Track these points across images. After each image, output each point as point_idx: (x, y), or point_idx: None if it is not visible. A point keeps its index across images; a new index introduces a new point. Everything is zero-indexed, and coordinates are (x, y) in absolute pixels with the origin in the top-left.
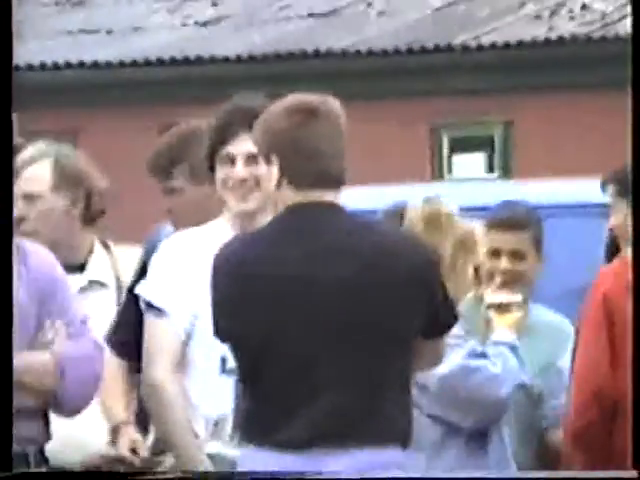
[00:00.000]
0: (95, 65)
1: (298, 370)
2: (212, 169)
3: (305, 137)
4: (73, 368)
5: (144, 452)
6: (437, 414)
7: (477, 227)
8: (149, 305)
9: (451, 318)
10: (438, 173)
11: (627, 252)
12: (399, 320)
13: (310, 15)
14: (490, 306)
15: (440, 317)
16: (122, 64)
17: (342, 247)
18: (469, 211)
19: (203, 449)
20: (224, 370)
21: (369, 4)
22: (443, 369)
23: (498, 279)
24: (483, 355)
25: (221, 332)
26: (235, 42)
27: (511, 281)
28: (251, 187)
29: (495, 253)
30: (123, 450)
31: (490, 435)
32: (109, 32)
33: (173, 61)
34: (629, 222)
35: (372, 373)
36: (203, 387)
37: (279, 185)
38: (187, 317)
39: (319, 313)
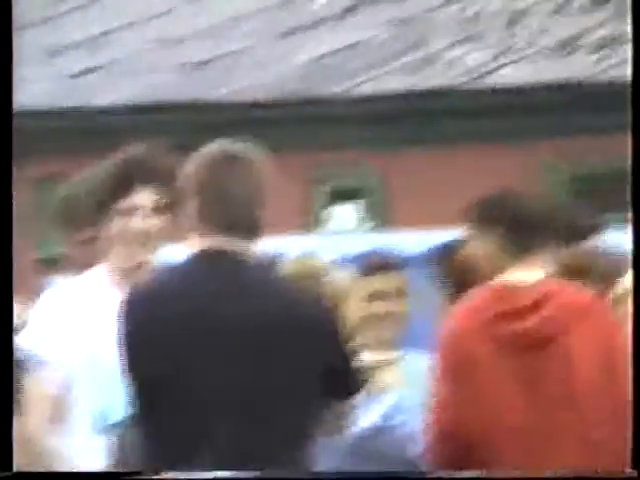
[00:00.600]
0: None
1: (193, 409)
2: (102, 222)
3: (216, 183)
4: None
5: None
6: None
7: (347, 277)
8: (28, 355)
9: (351, 385)
10: (314, 224)
11: (481, 289)
12: (290, 375)
13: (183, 65)
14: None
15: (337, 381)
16: None
17: (237, 300)
18: (344, 262)
19: None
20: (100, 426)
21: (240, 55)
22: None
23: (377, 322)
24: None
25: (129, 368)
26: (107, 93)
27: (390, 323)
28: (149, 240)
29: (370, 298)
30: None
31: None
32: None
33: (44, 112)
34: (482, 252)
35: (266, 423)
36: (78, 442)
37: (188, 230)
38: (66, 368)
39: (216, 361)
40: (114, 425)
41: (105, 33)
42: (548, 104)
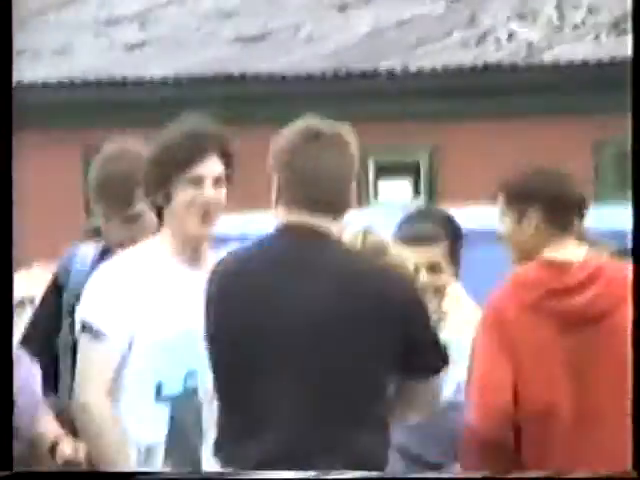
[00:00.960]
0: (20, 86)
1: (264, 395)
2: (167, 192)
3: (303, 160)
4: (19, 396)
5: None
6: (409, 447)
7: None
8: (86, 326)
9: (435, 361)
10: (364, 198)
11: (517, 265)
12: (367, 356)
13: (237, 40)
14: None
15: (421, 358)
16: (46, 85)
17: (317, 277)
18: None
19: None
20: (158, 397)
21: (296, 29)
22: None
23: None
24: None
25: (211, 340)
26: (162, 65)
27: (433, 296)
28: (215, 209)
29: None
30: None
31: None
32: (37, 54)
33: (99, 83)
34: (517, 230)
35: (333, 407)
36: (136, 413)
37: (276, 204)
38: (124, 341)
39: (291, 342)
40: (172, 397)
41: (156, 7)
42: (600, 81)
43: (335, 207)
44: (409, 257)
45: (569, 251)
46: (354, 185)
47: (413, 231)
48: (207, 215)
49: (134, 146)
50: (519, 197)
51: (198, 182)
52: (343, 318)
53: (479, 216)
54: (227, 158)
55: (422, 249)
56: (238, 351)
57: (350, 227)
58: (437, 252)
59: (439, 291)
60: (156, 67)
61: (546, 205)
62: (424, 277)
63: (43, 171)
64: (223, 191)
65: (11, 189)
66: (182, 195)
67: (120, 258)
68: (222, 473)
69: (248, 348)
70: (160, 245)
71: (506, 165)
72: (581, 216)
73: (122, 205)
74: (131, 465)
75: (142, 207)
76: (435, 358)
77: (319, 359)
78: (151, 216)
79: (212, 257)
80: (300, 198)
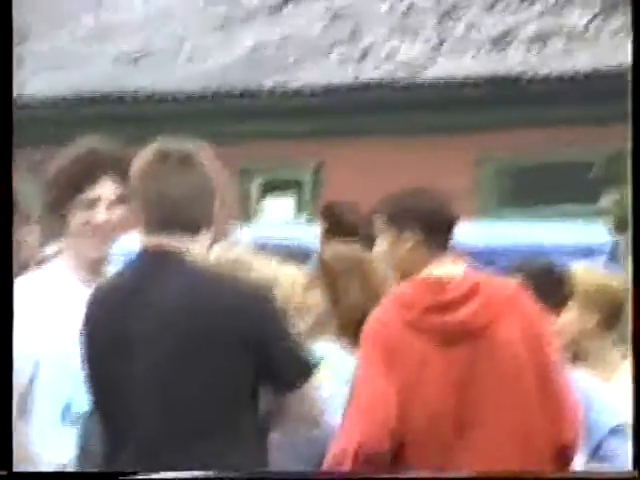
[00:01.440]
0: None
1: (127, 407)
2: (63, 214)
3: (151, 183)
4: None
5: None
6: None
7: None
8: None
9: (295, 372)
10: (249, 215)
11: (397, 290)
12: (220, 369)
13: (118, 58)
14: None
15: (279, 370)
16: None
17: (167, 297)
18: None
19: None
20: (66, 418)
21: (177, 47)
22: None
23: None
24: None
25: (83, 362)
26: (41, 85)
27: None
28: (112, 231)
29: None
30: None
31: None
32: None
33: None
34: (394, 249)
35: (189, 417)
36: (44, 435)
37: (135, 226)
38: (29, 364)
39: (150, 361)
40: (79, 416)
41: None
42: (481, 98)
43: (189, 226)
44: (288, 273)
45: (447, 268)
46: (214, 203)
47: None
48: (103, 237)
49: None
50: (396, 217)
51: (92, 205)
52: (194, 335)
53: None
54: (123, 178)
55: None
56: (103, 368)
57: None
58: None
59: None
60: (36, 86)
61: (423, 224)
62: (308, 296)
63: None
64: (120, 212)
65: (11, 185)
66: (77, 218)
67: (21, 281)
68: (221, 473)
69: (112, 366)
70: (61, 267)
71: (389, 182)
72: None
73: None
74: None
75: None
76: (295, 370)
77: (175, 374)
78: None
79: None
80: (153, 220)
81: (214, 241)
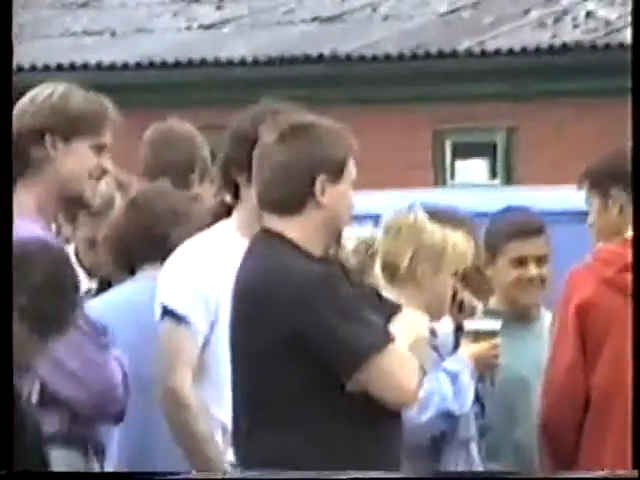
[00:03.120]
0: (98, 67)
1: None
2: (229, 173)
3: (257, 161)
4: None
5: None
6: None
7: (459, 237)
8: (169, 311)
9: (345, 357)
10: (441, 179)
11: (599, 247)
12: (265, 354)
13: (314, 19)
14: (468, 332)
15: (328, 356)
16: (125, 66)
17: (239, 280)
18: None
19: (224, 458)
20: None
21: (374, 9)
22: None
23: (527, 286)
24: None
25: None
26: (239, 45)
27: (539, 287)
28: None
29: (520, 261)
30: None
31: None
32: (113, 34)
33: (177, 64)
34: (603, 212)
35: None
36: (219, 395)
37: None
38: (206, 323)
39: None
40: None
41: None
42: None
43: (286, 206)
44: (454, 237)
45: None
46: (316, 181)
47: (523, 223)
48: None
49: (184, 128)
50: (603, 180)
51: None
52: (250, 320)
53: (560, 197)
54: None
55: (534, 242)
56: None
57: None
58: (544, 244)
59: (545, 282)
60: (233, 48)
61: (626, 185)
62: (533, 269)
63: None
64: None
65: (11, 185)
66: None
67: (193, 242)
68: (221, 473)
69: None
70: (232, 227)
71: (582, 145)
72: None
73: (180, 185)
74: (220, 449)
75: (197, 188)
76: (345, 355)
77: (238, 361)
78: (209, 197)
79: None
80: (259, 200)
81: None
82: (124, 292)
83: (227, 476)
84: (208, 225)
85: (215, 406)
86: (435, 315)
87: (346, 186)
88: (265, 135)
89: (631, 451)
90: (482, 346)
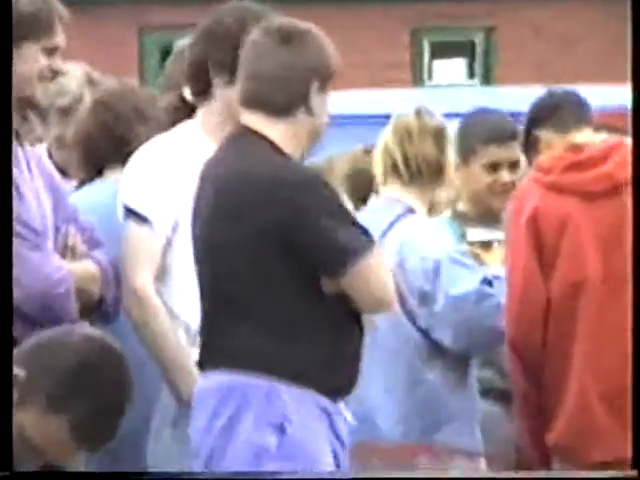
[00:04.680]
0: None
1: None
2: (203, 72)
3: (250, 58)
4: (110, 272)
5: None
6: (432, 329)
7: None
8: (131, 212)
9: (332, 261)
10: (419, 79)
11: (540, 158)
12: (257, 257)
13: None
14: (473, 243)
15: (320, 254)
16: None
17: (218, 177)
18: (449, 117)
19: (192, 360)
20: None
21: None
22: (458, 289)
23: (500, 192)
24: (491, 284)
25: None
26: None
27: (512, 193)
28: None
29: (494, 167)
30: None
31: (471, 365)
32: None
33: None
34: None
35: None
36: (183, 295)
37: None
38: (169, 224)
39: (205, 238)
40: None
41: None
42: None
43: (275, 107)
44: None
45: (587, 136)
46: (310, 87)
47: (499, 127)
48: None
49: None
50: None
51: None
52: (232, 217)
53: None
54: None
55: (509, 147)
56: (193, 242)
57: (402, 107)
58: (517, 149)
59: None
60: None
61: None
62: (506, 175)
63: (99, 47)
64: None
65: (10, 180)
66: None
67: (156, 142)
68: (220, 473)
69: (193, 240)
70: (197, 127)
71: (560, 46)
72: None
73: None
74: (182, 350)
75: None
76: (331, 257)
77: (215, 257)
78: (224, 96)
79: None
80: (243, 96)
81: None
82: (92, 193)
83: (227, 476)
84: (169, 123)
85: (178, 306)
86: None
87: (327, 97)
88: (262, 35)
89: (631, 451)
90: (500, 252)
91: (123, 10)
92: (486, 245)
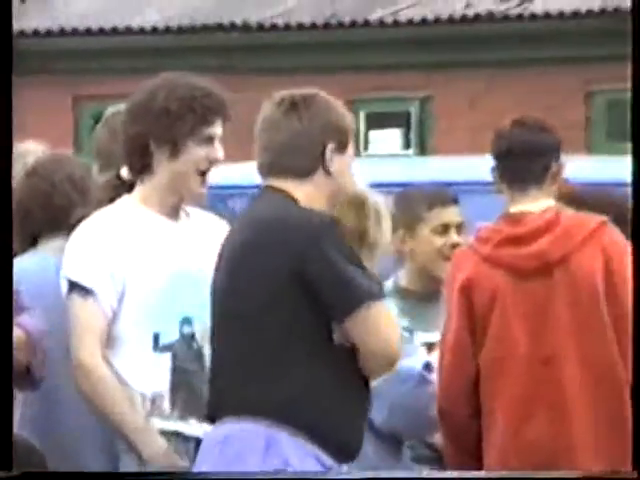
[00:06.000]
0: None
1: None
2: (175, 146)
3: (263, 131)
4: (36, 336)
5: None
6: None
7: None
8: (75, 285)
9: (345, 298)
10: (355, 148)
11: (478, 226)
12: (271, 302)
13: None
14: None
15: (330, 298)
16: (36, 33)
17: (245, 228)
18: (385, 187)
19: (151, 423)
20: (157, 347)
21: None
22: (401, 365)
23: (451, 254)
24: (432, 370)
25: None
26: (152, 13)
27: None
28: (215, 167)
29: (444, 228)
30: None
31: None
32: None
33: (88, 31)
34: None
35: (253, 354)
36: (135, 365)
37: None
38: (114, 295)
39: (220, 297)
40: (170, 345)
41: None
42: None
43: (294, 171)
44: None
45: (532, 205)
46: (325, 150)
47: (441, 192)
48: (207, 174)
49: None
50: (493, 152)
51: (209, 142)
52: (247, 268)
53: (473, 168)
54: (225, 121)
55: (453, 210)
56: (214, 302)
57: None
58: (459, 212)
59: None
60: (147, 15)
61: (512, 159)
62: (455, 237)
63: (38, 115)
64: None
65: (10, 181)
66: (197, 152)
67: (97, 215)
68: (220, 473)
69: (215, 299)
70: (136, 201)
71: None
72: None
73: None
74: (139, 413)
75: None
76: (345, 295)
77: (235, 302)
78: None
79: (195, 211)
80: (261, 164)
81: (328, 189)
82: (23, 262)
83: (230, 477)
84: (107, 201)
85: (130, 377)
86: None
87: (349, 157)
88: (271, 108)
89: (631, 451)
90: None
91: (58, 79)
92: (430, 347)
